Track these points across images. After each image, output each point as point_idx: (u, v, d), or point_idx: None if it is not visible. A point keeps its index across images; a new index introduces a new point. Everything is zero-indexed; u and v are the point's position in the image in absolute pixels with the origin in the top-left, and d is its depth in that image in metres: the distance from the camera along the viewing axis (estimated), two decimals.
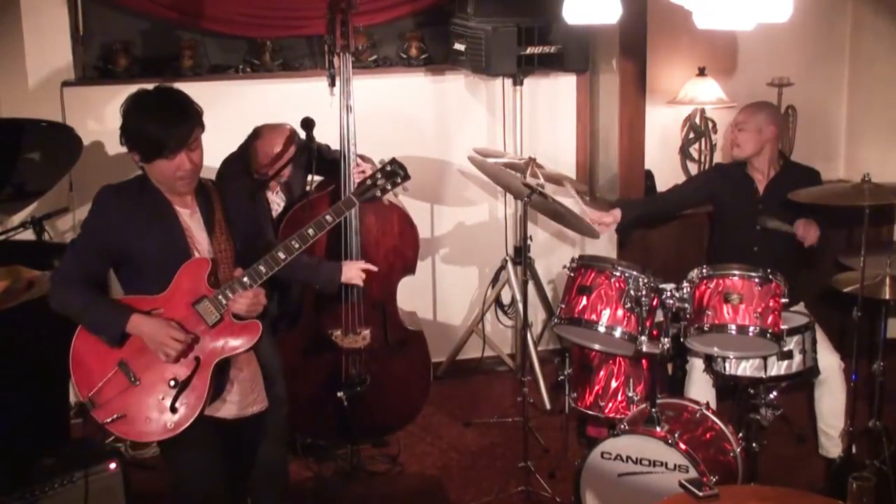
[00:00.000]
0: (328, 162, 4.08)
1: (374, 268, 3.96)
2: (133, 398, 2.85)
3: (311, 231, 2.95)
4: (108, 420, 2.85)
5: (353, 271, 3.88)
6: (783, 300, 3.61)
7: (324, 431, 4.23)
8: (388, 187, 3.11)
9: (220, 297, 2.85)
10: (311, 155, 4.01)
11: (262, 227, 3.24)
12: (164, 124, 2.76)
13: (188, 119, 2.81)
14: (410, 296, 4.71)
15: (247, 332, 2.88)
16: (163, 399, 2.84)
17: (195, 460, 2.95)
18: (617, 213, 4.43)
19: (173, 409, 2.83)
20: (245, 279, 2.86)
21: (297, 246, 2.92)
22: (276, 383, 3.13)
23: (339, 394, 4.00)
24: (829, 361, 4.02)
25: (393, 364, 4.18)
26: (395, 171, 3.10)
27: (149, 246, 2.84)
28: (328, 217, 3.00)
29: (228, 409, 2.97)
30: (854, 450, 3.90)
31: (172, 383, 2.84)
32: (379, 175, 3.09)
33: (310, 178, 4.23)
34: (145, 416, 2.85)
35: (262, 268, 2.88)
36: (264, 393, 3.06)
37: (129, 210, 2.84)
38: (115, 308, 2.84)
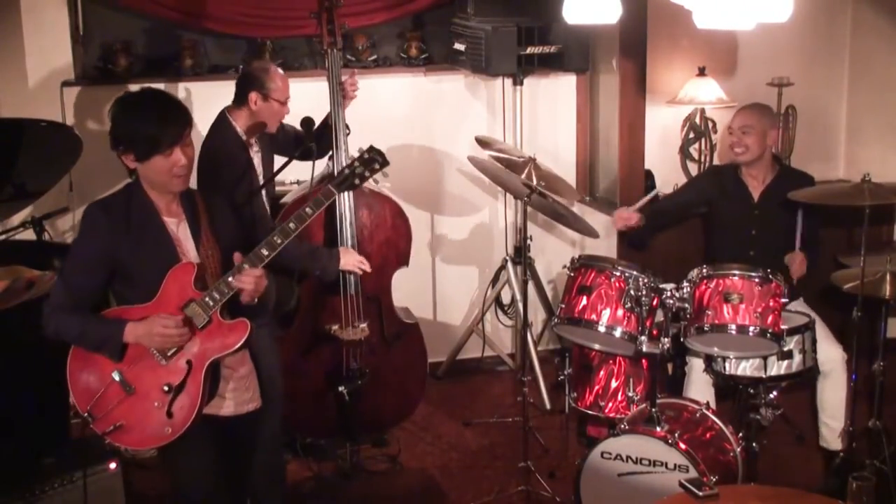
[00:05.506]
0: (322, 138, 4.04)
1: (368, 268, 4.00)
2: (130, 407, 2.86)
3: (291, 225, 2.91)
4: (107, 430, 2.87)
5: (352, 260, 3.92)
6: (783, 300, 3.61)
7: (324, 429, 4.23)
8: (367, 174, 3.06)
9: (207, 299, 2.84)
10: (310, 153, 3.99)
11: (255, 231, 3.22)
12: (159, 120, 2.79)
13: (182, 114, 2.85)
14: (410, 295, 4.71)
15: (235, 332, 2.88)
16: (158, 406, 2.85)
17: (193, 462, 2.96)
18: (640, 217, 4.35)
19: (169, 415, 2.84)
20: (245, 264, 2.84)
21: (278, 241, 2.88)
22: (275, 383, 3.14)
23: (340, 388, 3.99)
24: (832, 354, 4.01)
25: (390, 357, 4.19)
26: (373, 158, 3.05)
27: (141, 259, 2.85)
28: (307, 209, 2.96)
29: (226, 405, 2.99)
30: (854, 449, 3.90)
31: (166, 389, 2.84)
32: (356, 163, 3.05)
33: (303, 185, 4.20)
34: (143, 423, 2.86)
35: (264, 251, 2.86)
36: (259, 391, 3.06)
37: (119, 226, 2.84)
38: (110, 324, 2.85)
